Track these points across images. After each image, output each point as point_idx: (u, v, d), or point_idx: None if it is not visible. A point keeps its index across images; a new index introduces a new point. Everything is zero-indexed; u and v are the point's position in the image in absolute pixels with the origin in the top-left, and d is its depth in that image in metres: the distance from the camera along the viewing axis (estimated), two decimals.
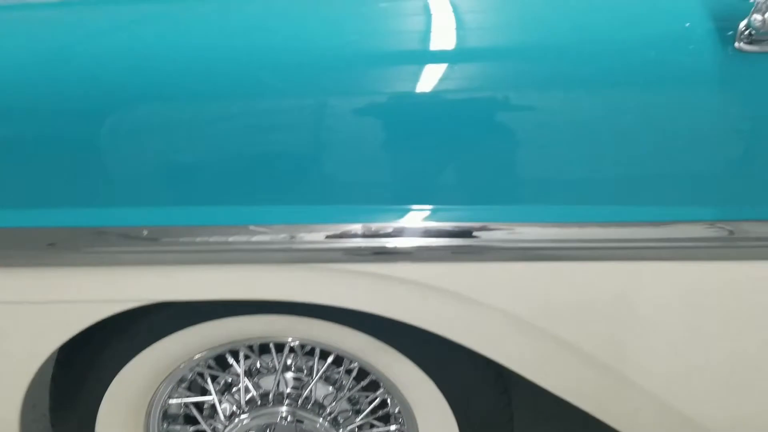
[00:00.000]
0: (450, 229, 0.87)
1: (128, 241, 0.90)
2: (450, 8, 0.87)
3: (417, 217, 0.87)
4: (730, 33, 0.79)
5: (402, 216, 0.87)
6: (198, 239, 0.89)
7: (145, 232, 0.89)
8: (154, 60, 0.86)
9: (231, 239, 0.89)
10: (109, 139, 0.86)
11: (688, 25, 0.81)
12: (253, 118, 0.86)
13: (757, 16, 0.76)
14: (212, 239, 0.89)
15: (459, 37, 0.85)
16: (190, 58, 0.85)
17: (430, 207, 0.87)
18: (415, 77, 0.84)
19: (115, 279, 0.94)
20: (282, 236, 0.89)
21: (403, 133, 0.85)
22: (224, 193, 0.89)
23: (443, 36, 0.85)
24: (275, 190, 0.88)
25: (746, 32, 0.78)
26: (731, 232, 0.85)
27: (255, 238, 0.89)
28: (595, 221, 0.86)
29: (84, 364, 1.09)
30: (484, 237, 0.87)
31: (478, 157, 0.85)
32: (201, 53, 0.86)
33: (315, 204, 0.88)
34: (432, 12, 0.88)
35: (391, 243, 0.88)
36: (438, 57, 0.84)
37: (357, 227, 0.88)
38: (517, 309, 0.92)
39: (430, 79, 0.83)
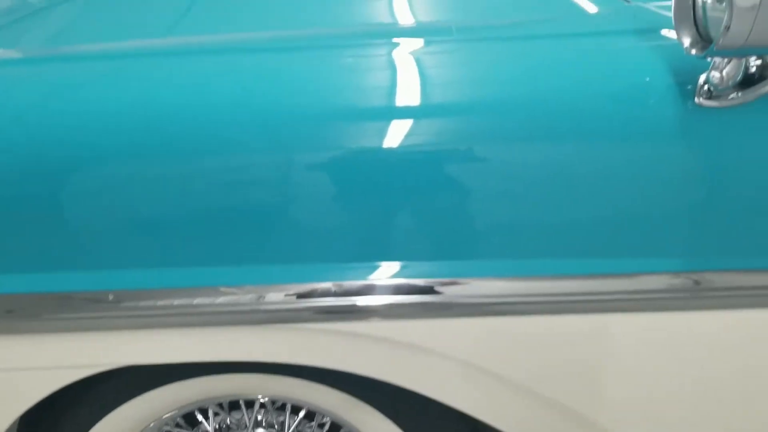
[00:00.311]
0: (420, 285, 0.87)
1: (93, 306, 0.88)
2: (415, 64, 0.88)
3: (386, 273, 0.87)
4: (690, 87, 0.81)
5: (370, 273, 0.87)
6: (164, 302, 0.87)
7: (111, 297, 0.87)
8: (115, 119, 0.84)
9: (198, 301, 0.87)
10: (70, 200, 0.85)
11: (648, 79, 0.82)
12: (219, 176, 0.84)
13: (715, 74, 0.77)
14: (178, 302, 0.88)
15: (424, 93, 0.85)
16: (153, 116, 0.84)
17: (399, 263, 0.87)
18: (380, 134, 0.83)
19: (79, 344, 0.92)
20: (249, 297, 0.87)
21: (368, 189, 0.84)
22: (190, 254, 0.87)
23: (409, 92, 0.85)
24: (241, 250, 0.86)
25: (705, 88, 0.79)
26: (697, 282, 0.85)
27: (222, 300, 0.87)
28: (562, 274, 0.86)
29: (48, 429, 1.05)
30: (453, 292, 0.87)
31: (444, 212, 0.85)
32: (164, 111, 0.85)
33: (282, 263, 0.87)
34: (398, 68, 0.88)
35: (360, 301, 0.87)
36: (400, 113, 0.84)
37: (325, 286, 0.87)
38: (489, 363, 0.91)
39: (395, 135, 0.83)
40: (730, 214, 0.83)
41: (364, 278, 0.87)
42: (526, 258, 0.86)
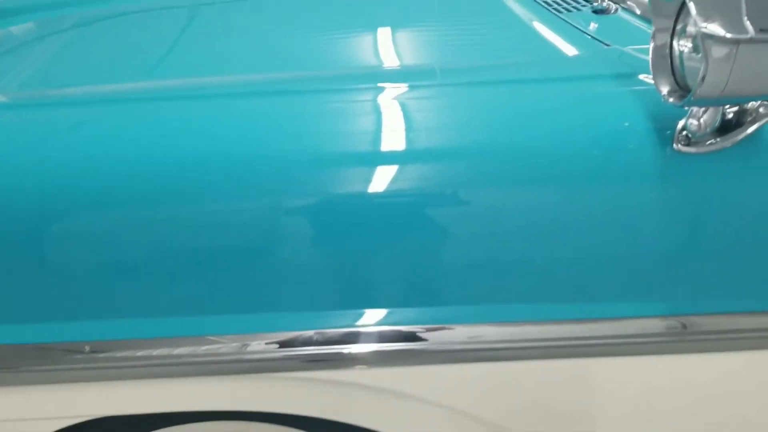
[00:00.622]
0: (404, 331, 0.86)
1: (70, 357, 0.86)
2: (396, 110, 0.88)
3: (370, 320, 0.86)
4: (669, 132, 0.81)
5: (354, 320, 0.86)
6: (143, 353, 0.86)
7: (87, 348, 0.86)
8: (92, 166, 0.84)
9: (178, 351, 0.86)
10: (45, 249, 0.83)
11: (627, 124, 0.82)
12: (199, 224, 0.84)
13: (693, 121, 0.78)
14: (158, 352, 0.86)
15: (406, 139, 0.85)
16: (131, 163, 0.84)
17: (382, 310, 0.86)
18: (362, 180, 0.83)
19: (57, 396, 0.90)
20: (231, 346, 0.86)
21: (350, 236, 0.84)
22: (169, 303, 0.86)
23: (389, 138, 0.85)
24: (222, 299, 0.85)
25: (684, 134, 0.79)
26: (684, 326, 0.85)
27: (203, 349, 0.86)
28: (547, 319, 0.85)
29: None
30: (438, 339, 0.86)
31: (427, 258, 0.84)
32: (141, 158, 0.84)
33: (263, 312, 0.86)
34: (379, 113, 0.88)
35: (344, 349, 0.86)
36: (379, 159, 0.84)
37: (308, 334, 0.86)
38: (475, 409, 0.90)
39: (378, 181, 0.83)
40: (713, 258, 0.83)
41: (348, 326, 0.86)
42: (511, 303, 0.85)
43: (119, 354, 0.86)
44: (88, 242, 0.83)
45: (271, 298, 0.85)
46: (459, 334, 0.86)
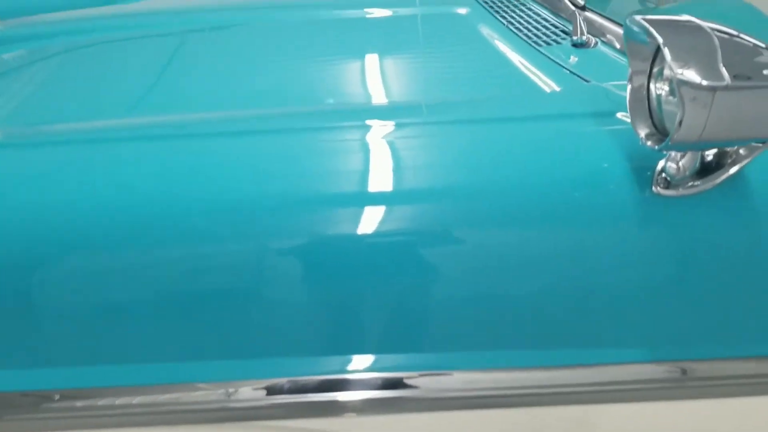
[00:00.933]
0: (396, 378, 0.84)
1: (40, 406, 0.84)
2: (377, 149, 0.86)
3: (360, 366, 0.84)
4: (649, 173, 0.80)
5: (345, 366, 0.84)
6: (120, 401, 0.84)
7: (57, 396, 0.84)
8: (64, 210, 0.82)
9: (158, 399, 0.84)
10: (10, 293, 0.81)
11: (606, 165, 0.82)
12: (180, 268, 0.82)
13: (672, 165, 0.77)
14: (136, 401, 0.84)
15: (389, 179, 0.84)
16: (105, 207, 0.82)
17: (373, 356, 0.84)
18: (349, 223, 0.82)
19: None
20: (215, 393, 0.84)
21: (338, 280, 0.82)
22: (149, 349, 0.84)
23: (374, 179, 0.84)
24: (205, 345, 0.84)
25: (663, 176, 0.79)
26: (684, 372, 0.84)
27: (186, 397, 0.84)
28: (541, 366, 0.84)
29: None
30: (430, 385, 0.84)
31: (416, 303, 0.83)
32: (118, 201, 0.82)
33: (249, 358, 0.84)
34: (362, 153, 0.87)
35: (335, 396, 0.84)
36: (362, 201, 0.83)
37: (296, 380, 0.84)
38: None
39: (366, 224, 0.81)
40: (699, 302, 0.82)
41: (337, 372, 0.84)
42: (504, 349, 0.84)
43: (93, 402, 0.84)
44: (63, 285, 0.81)
45: (257, 343, 0.84)
46: (452, 380, 0.84)
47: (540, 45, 1.14)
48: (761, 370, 0.85)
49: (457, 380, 0.84)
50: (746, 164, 0.78)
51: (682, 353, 0.84)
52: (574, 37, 1.10)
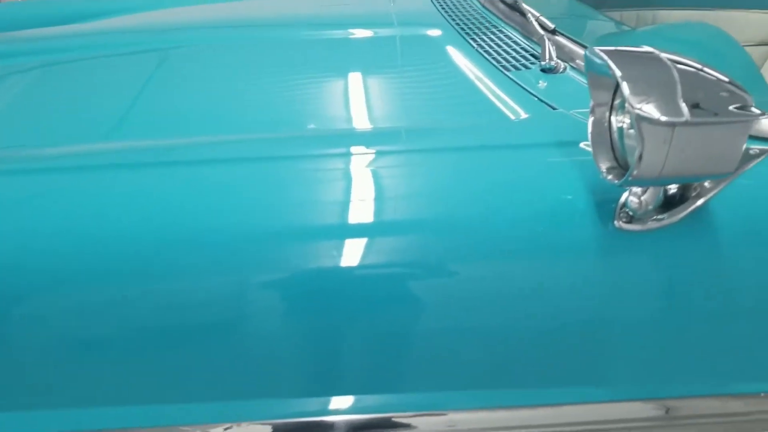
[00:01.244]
0: (377, 420, 0.82)
1: None
2: (361, 180, 0.84)
3: (355, 407, 0.82)
4: (613, 205, 0.78)
5: (328, 407, 0.82)
6: None
7: None
8: (41, 240, 0.78)
9: None
10: None
11: (570, 197, 0.79)
12: (154, 301, 0.78)
13: (634, 199, 0.75)
14: None
15: (376, 211, 0.81)
16: (86, 239, 0.78)
17: (353, 397, 0.82)
18: (332, 256, 0.78)
19: None
20: None
21: (323, 317, 0.79)
22: (120, 392, 0.80)
23: (352, 212, 0.81)
24: (188, 388, 0.80)
25: (624, 210, 0.76)
26: (667, 410, 0.82)
27: None
28: (528, 405, 0.82)
29: None
30: (427, 425, 0.82)
31: (403, 342, 0.80)
32: (99, 233, 0.79)
33: (229, 400, 0.81)
34: (343, 185, 0.84)
35: None
36: (342, 234, 0.80)
37: (288, 423, 0.81)
38: None
39: (348, 258, 0.78)
40: (669, 339, 0.81)
41: (332, 413, 0.82)
42: (488, 389, 0.82)
43: None
44: (48, 325, 0.78)
45: (250, 384, 0.81)
46: (447, 420, 0.82)
47: (509, 70, 1.12)
48: (745, 408, 0.84)
49: (452, 420, 0.82)
50: (711, 197, 0.76)
51: (663, 391, 0.82)
52: (543, 62, 1.08)
